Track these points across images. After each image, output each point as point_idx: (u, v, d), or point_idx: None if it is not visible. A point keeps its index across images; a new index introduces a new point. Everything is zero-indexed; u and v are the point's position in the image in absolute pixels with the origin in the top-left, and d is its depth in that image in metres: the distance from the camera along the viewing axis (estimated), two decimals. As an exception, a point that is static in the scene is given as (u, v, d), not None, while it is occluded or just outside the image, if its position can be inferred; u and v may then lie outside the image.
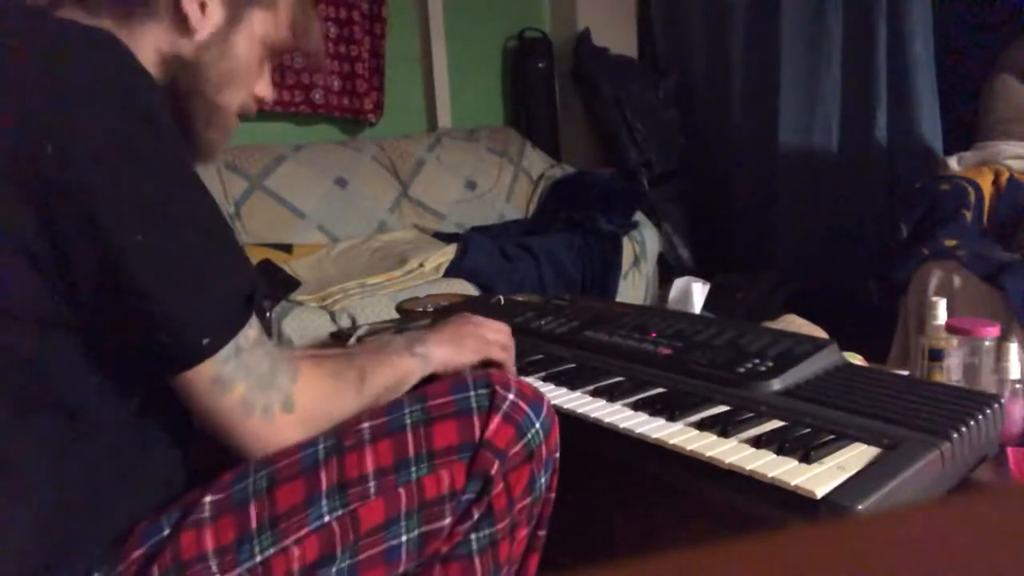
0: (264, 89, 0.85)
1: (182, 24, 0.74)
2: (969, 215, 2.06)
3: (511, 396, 0.75)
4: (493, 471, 0.73)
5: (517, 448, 0.75)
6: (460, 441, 0.73)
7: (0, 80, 0.61)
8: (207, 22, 0.75)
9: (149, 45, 0.73)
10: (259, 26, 0.80)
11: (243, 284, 0.68)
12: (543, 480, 0.79)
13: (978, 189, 2.10)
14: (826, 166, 2.79)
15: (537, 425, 0.76)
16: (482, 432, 0.73)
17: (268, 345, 0.70)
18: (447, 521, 0.73)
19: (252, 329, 0.68)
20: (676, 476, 0.85)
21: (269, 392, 0.69)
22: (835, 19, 2.71)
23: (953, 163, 2.25)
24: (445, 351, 0.86)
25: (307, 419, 0.72)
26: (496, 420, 0.74)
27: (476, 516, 0.75)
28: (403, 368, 0.81)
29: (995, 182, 2.14)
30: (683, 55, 3.28)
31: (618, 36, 3.33)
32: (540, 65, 3.27)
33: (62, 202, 0.59)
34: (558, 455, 0.80)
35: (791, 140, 2.86)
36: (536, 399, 0.77)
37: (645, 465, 0.89)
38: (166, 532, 0.67)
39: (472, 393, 0.75)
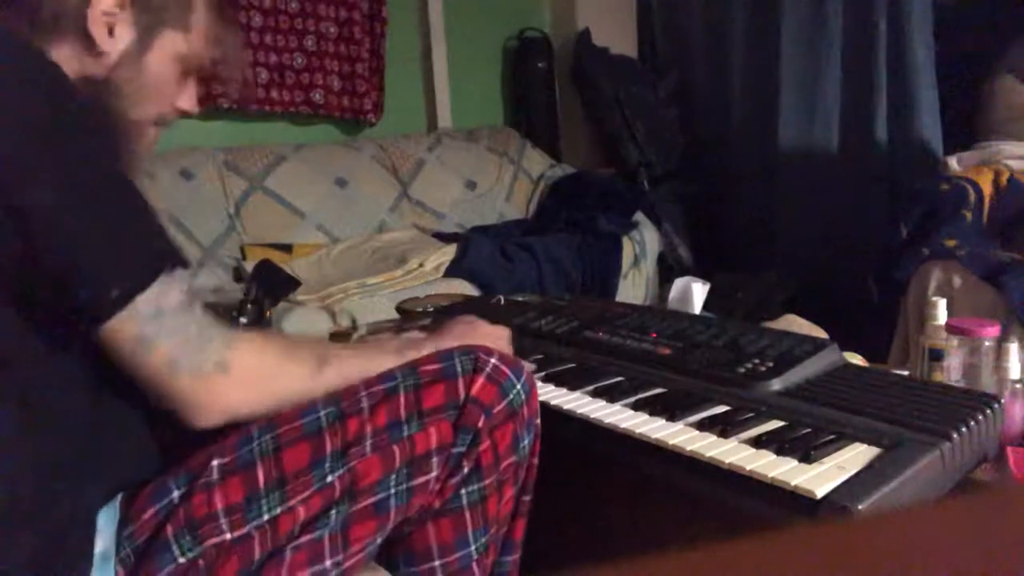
0: (187, 102, 0.86)
1: (90, 46, 0.75)
2: (969, 215, 2.06)
3: (493, 360, 0.80)
4: (480, 424, 0.78)
5: (501, 406, 0.79)
6: (447, 401, 0.78)
7: None
8: (115, 44, 0.76)
9: (64, 64, 0.73)
10: (171, 45, 0.80)
11: (153, 244, 0.70)
12: (526, 441, 0.83)
13: (978, 189, 2.10)
14: (826, 166, 2.79)
15: (518, 386, 0.81)
16: (467, 391, 0.78)
17: (199, 313, 0.71)
18: (434, 474, 0.77)
19: (177, 293, 0.69)
20: (676, 476, 0.85)
21: (197, 353, 0.70)
22: (835, 19, 2.71)
23: (953, 163, 2.25)
24: None
25: (245, 382, 0.73)
26: (480, 380, 0.79)
27: (466, 470, 0.79)
28: (378, 362, 0.82)
29: (995, 182, 2.14)
30: (683, 55, 3.28)
31: (618, 36, 3.32)
32: (540, 65, 3.27)
33: None
34: (539, 421, 0.84)
35: (791, 140, 2.86)
36: (516, 365, 0.82)
37: (645, 465, 0.89)
38: (176, 495, 0.71)
39: (457, 359, 0.80)
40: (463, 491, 0.79)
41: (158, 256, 0.69)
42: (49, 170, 0.65)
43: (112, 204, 0.69)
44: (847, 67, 2.71)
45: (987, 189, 2.11)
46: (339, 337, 1.59)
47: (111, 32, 0.75)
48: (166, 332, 0.68)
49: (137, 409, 0.74)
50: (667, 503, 0.91)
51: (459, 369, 0.79)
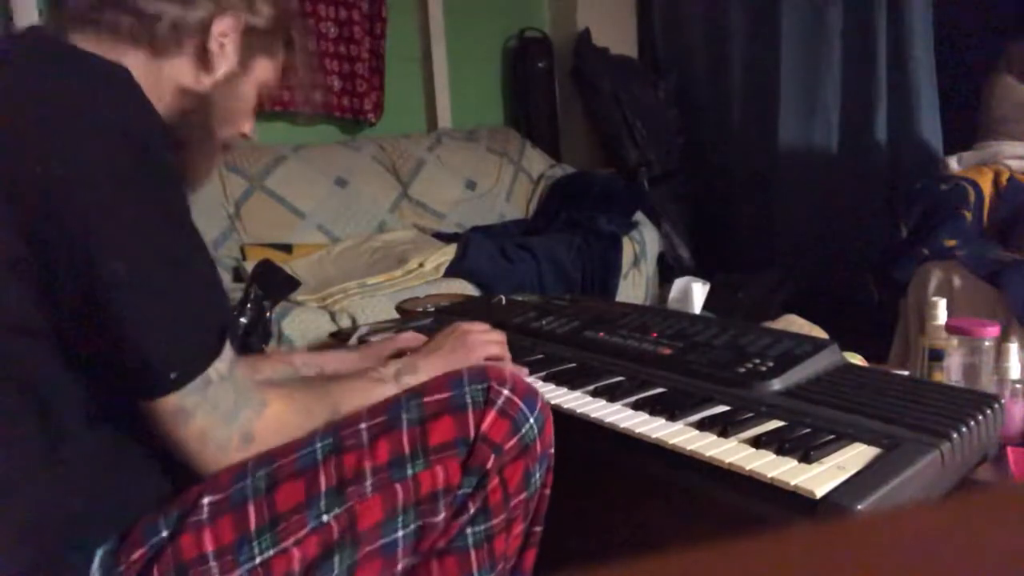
0: (250, 128, 0.89)
1: (203, 61, 0.79)
2: (969, 215, 2.06)
3: (506, 392, 0.77)
4: (489, 465, 0.75)
5: (512, 443, 0.76)
6: (455, 437, 0.74)
7: (9, 100, 0.64)
8: (223, 63, 0.80)
9: (172, 78, 0.77)
10: (262, 71, 0.85)
11: (216, 324, 0.70)
12: (538, 475, 0.80)
13: (978, 189, 2.10)
14: (826, 166, 2.79)
15: (532, 420, 0.77)
16: (477, 427, 0.75)
17: (238, 378, 0.71)
18: (442, 516, 0.74)
19: (223, 363, 0.69)
20: (676, 476, 0.85)
21: (230, 427, 0.70)
22: (835, 19, 2.71)
23: (953, 163, 2.25)
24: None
25: (261, 449, 0.73)
26: (491, 415, 0.75)
27: (472, 510, 0.76)
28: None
29: (995, 182, 2.14)
30: (683, 55, 3.28)
31: (618, 36, 3.32)
32: (540, 65, 3.27)
33: (50, 222, 0.62)
34: (552, 451, 0.81)
35: (791, 140, 2.86)
36: (530, 394, 0.79)
37: (645, 464, 0.89)
38: (165, 533, 0.68)
39: (467, 389, 0.76)
40: (468, 531, 0.77)
41: (219, 336, 0.69)
42: (126, 239, 0.64)
43: (183, 279, 0.68)
44: (847, 67, 2.71)
45: (987, 189, 2.12)
46: (339, 337, 1.59)
47: (221, 51, 0.79)
48: (206, 406, 0.68)
49: (158, 450, 0.72)
50: (667, 503, 0.91)
51: (469, 400, 0.75)
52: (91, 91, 0.65)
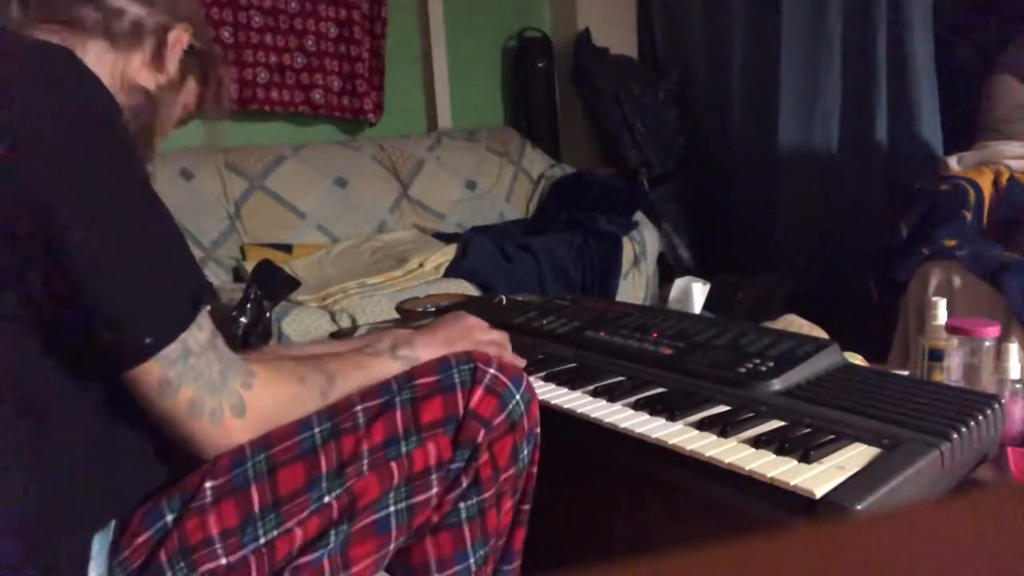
0: (154, 153, 0.90)
1: (157, 60, 0.82)
2: (969, 215, 2.06)
3: (492, 370, 0.79)
4: (479, 439, 0.77)
5: (500, 418, 0.78)
6: (445, 415, 0.76)
7: None
8: (169, 68, 0.84)
9: (128, 73, 0.80)
10: (187, 93, 0.88)
11: (188, 288, 0.69)
12: (526, 452, 0.82)
13: (978, 189, 2.10)
14: (826, 166, 2.79)
15: (518, 397, 0.80)
16: (466, 404, 0.77)
17: (221, 349, 0.71)
18: (434, 491, 0.76)
19: (203, 332, 0.69)
20: (676, 476, 0.85)
21: (219, 396, 0.69)
22: (835, 19, 2.71)
23: (953, 163, 2.25)
24: (432, 353, 0.86)
25: (258, 423, 0.72)
26: (479, 392, 0.77)
27: (464, 485, 0.78)
28: (381, 371, 0.82)
29: (995, 182, 2.14)
30: (683, 55, 3.28)
31: (618, 36, 3.33)
32: (540, 65, 3.27)
33: (12, 196, 0.61)
34: (539, 430, 0.84)
35: (791, 140, 2.86)
36: (516, 373, 0.81)
37: (645, 465, 0.89)
38: (169, 519, 0.69)
39: (455, 370, 0.78)
40: (461, 505, 0.79)
41: (192, 299, 0.69)
42: (90, 206, 0.64)
43: (148, 245, 0.68)
44: (847, 67, 2.71)
45: (987, 189, 2.12)
46: (339, 337, 1.59)
47: (169, 57, 0.83)
48: (191, 375, 0.67)
49: (147, 434, 0.72)
50: (667, 503, 0.91)
51: (457, 380, 0.77)
52: (38, 70, 0.65)
